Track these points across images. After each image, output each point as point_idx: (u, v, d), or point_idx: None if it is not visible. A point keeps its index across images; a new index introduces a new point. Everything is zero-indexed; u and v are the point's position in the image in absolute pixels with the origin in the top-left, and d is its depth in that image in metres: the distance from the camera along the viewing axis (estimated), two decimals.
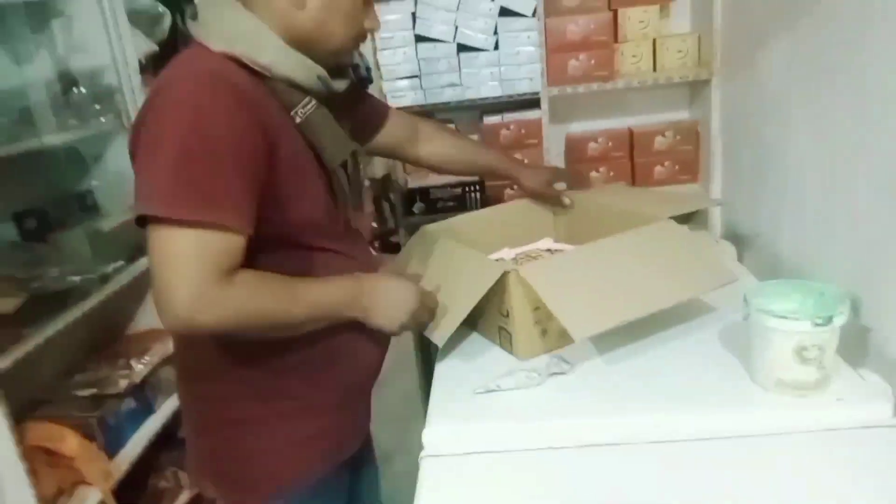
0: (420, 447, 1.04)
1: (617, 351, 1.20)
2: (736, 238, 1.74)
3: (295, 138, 0.95)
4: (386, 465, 1.38)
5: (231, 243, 0.85)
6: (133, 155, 0.90)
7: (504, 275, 1.14)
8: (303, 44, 0.95)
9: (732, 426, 0.99)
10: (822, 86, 1.23)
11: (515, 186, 1.73)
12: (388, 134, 1.31)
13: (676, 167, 1.95)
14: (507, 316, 1.19)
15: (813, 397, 1.00)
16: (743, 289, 1.14)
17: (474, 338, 1.31)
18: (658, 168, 1.96)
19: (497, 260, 1.53)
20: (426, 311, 1.10)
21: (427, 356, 2.18)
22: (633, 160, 1.97)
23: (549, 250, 1.61)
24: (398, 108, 1.84)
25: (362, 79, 2.09)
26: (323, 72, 0.97)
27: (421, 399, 2.22)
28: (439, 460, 1.01)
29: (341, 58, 1.03)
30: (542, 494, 0.93)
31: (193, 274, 0.81)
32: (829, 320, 0.96)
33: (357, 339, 1.08)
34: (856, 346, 1.12)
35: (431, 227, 1.41)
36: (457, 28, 1.74)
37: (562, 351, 1.20)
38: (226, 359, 1.01)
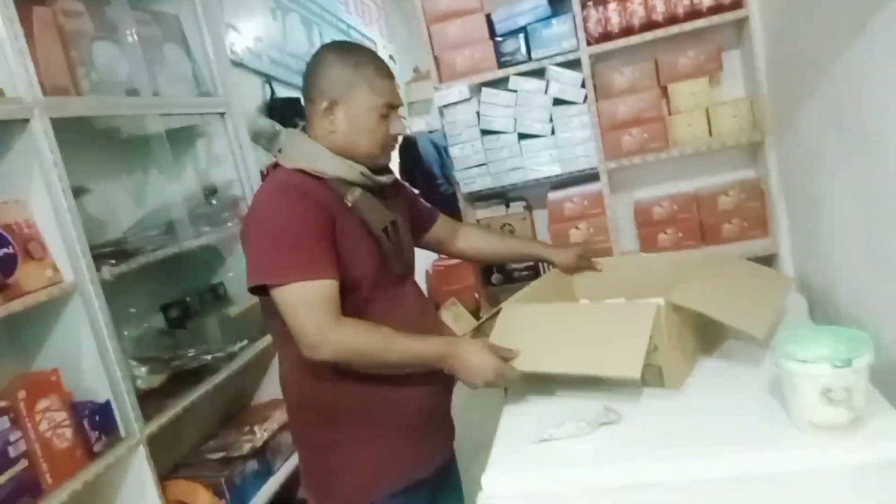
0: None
1: (666, 399, 1.28)
2: (807, 289, 1.75)
3: (349, 217, 1.28)
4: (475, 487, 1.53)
5: (327, 288, 1.20)
6: (244, 246, 1.28)
7: (649, 310, 1.25)
8: (344, 153, 1.30)
9: (769, 466, 1.04)
10: (843, 139, 1.30)
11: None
12: (434, 233, 1.64)
13: (745, 223, 2.00)
14: (656, 350, 1.27)
15: (846, 437, 1.04)
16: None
17: (541, 386, 1.44)
18: (726, 225, 2.01)
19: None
20: (502, 380, 1.32)
21: None
22: (700, 220, 2.04)
23: None
24: (469, 192, 2.08)
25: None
26: (364, 169, 1.30)
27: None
28: (495, 502, 1.14)
29: (377, 160, 1.35)
30: None
31: (311, 315, 1.18)
32: (848, 362, 1.01)
33: (422, 374, 1.31)
34: None
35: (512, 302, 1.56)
36: (516, 120, 1.96)
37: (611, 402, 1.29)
38: (308, 395, 1.33)
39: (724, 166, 2.08)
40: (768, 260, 1.97)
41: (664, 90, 1.99)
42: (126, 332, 1.88)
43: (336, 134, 1.29)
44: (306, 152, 1.29)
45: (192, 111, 2.15)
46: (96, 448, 1.54)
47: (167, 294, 2.14)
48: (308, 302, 1.18)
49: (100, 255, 1.65)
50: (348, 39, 1.48)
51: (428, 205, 1.68)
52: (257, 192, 1.31)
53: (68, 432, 1.48)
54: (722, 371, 1.31)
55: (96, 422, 1.56)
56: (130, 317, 1.95)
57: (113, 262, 1.66)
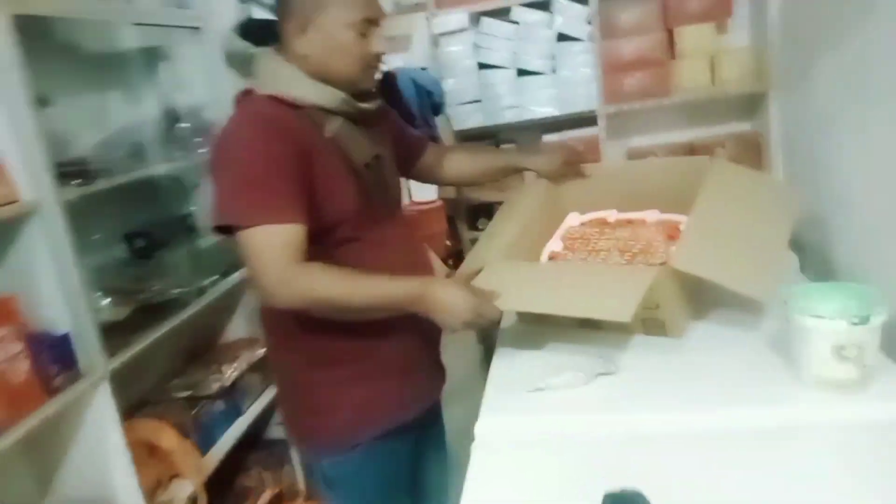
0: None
1: (664, 353, 1.25)
2: (798, 248, 1.73)
3: (329, 150, 1.18)
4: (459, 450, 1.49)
5: (292, 233, 1.10)
6: (211, 180, 1.18)
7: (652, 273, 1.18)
8: (322, 78, 1.19)
9: (773, 421, 1.02)
10: (863, 102, 1.24)
11: None
12: (424, 162, 1.54)
13: None
14: (657, 307, 1.23)
15: (854, 394, 1.01)
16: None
17: (533, 336, 1.39)
18: None
19: (552, 255, 1.53)
20: (482, 320, 1.20)
21: (490, 351, 2.25)
22: None
23: (583, 224, 1.61)
24: (462, 130, 1.98)
25: (436, 105, 2.24)
26: (346, 96, 1.20)
27: (480, 375, 2.28)
28: (488, 450, 1.10)
29: (358, 84, 1.23)
30: (585, 482, 0.98)
31: (272, 261, 1.08)
32: (865, 320, 0.97)
33: (410, 317, 1.22)
34: None
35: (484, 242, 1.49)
36: (516, 54, 1.84)
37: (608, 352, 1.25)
38: (294, 333, 1.24)
39: (721, 118, 2.03)
40: None
41: (669, 33, 1.90)
42: (89, 261, 1.75)
43: (311, 57, 1.18)
44: (280, 76, 1.18)
45: (166, 22, 1.97)
46: (55, 383, 1.43)
47: (133, 222, 2.00)
48: (270, 246, 1.09)
49: (63, 174, 1.51)
50: None
51: (416, 132, 1.58)
52: (227, 122, 1.19)
53: (25, 365, 1.37)
54: (723, 325, 1.28)
55: (56, 355, 1.45)
56: (93, 244, 1.81)
57: (77, 181, 1.53)
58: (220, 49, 2.20)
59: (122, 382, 1.61)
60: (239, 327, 2.31)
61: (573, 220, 1.63)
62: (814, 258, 1.62)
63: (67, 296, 1.47)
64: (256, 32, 2.74)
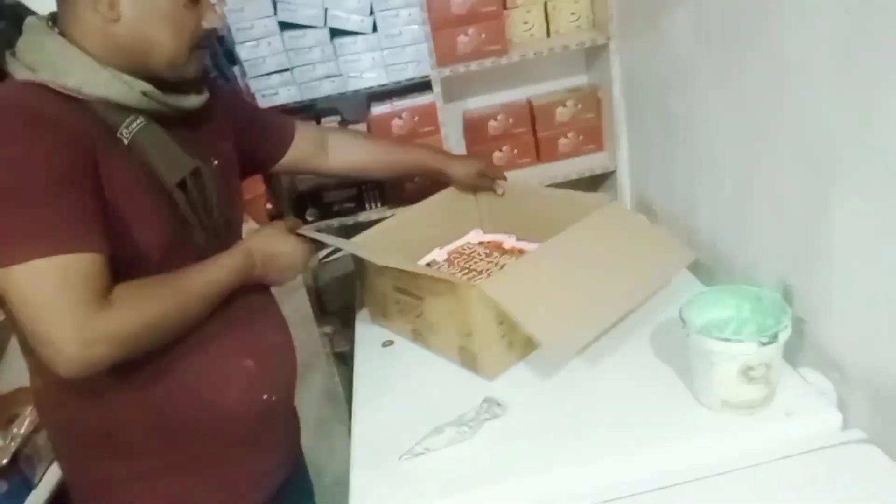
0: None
1: (549, 378, 1.10)
2: (649, 212, 1.66)
3: (123, 160, 0.87)
4: (316, 479, 1.29)
5: (90, 264, 0.79)
6: None
7: (465, 291, 1.05)
8: (127, 59, 0.88)
9: (683, 455, 0.91)
10: (733, 54, 1.13)
11: (417, 179, 1.62)
12: (294, 153, 1.26)
13: (581, 137, 1.84)
14: (470, 335, 1.08)
15: (761, 414, 0.94)
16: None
17: (393, 359, 1.22)
18: (562, 140, 1.84)
19: (431, 264, 1.43)
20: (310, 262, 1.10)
21: (341, 354, 2.04)
22: (535, 135, 1.84)
23: (480, 243, 1.54)
24: (271, 108, 1.62)
25: (229, 52, 1.82)
26: (147, 86, 0.88)
27: (343, 397, 2.10)
28: None
29: (182, 70, 0.93)
30: None
31: (68, 307, 0.76)
32: (774, 338, 0.88)
33: (220, 389, 0.97)
34: (791, 339, 1.06)
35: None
36: (326, 11, 1.50)
37: (489, 391, 1.07)
38: (80, 416, 0.94)
39: (558, 70, 1.88)
40: (604, 177, 1.85)
41: None
42: None
43: (120, 24, 0.85)
44: (50, 54, 0.84)
45: None
46: None
47: None
48: (62, 287, 0.76)
49: None
50: None
51: (279, 115, 1.30)
52: None
53: None
54: (606, 344, 1.14)
55: None
56: None
57: None
58: None
59: None
60: (12, 375, 1.81)
61: (474, 236, 1.57)
62: (673, 225, 1.55)
63: None
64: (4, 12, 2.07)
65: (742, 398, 0.92)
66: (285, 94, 1.58)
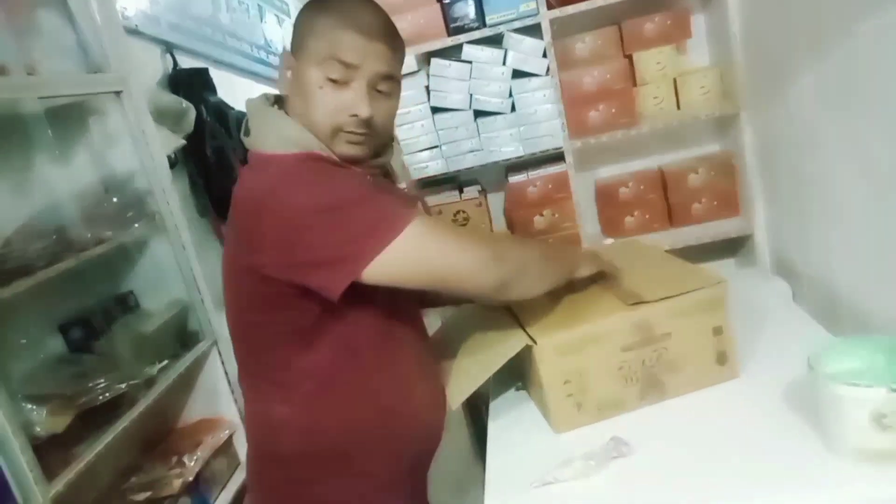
0: None
1: (677, 422, 1.13)
2: (789, 273, 1.65)
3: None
4: None
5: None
6: (287, 259, 0.92)
7: (530, 348, 1.12)
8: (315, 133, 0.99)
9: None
10: (856, 115, 1.16)
11: None
12: None
13: (715, 203, 1.88)
14: (542, 388, 1.15)
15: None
16: (801, 334, 1.06)
17: (526, 408, 1.28)
18: (696, 205, 1.89)
19: None
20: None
21: (475, 410, 2.14)
22: (667, 200, 1.91)
23: None
24: (423, 178, 1.84)
25: None
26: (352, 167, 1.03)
27: (474, 459, 2.17)
28: None
29: (335, 149, 1.00)
30: None
31: (455, 246, 0.91)
32: None
33: (418, 413, 1.10)
34: None
35: None
36: (471, 95, 1.72)
37: (619, 430, 1.13)
38: (319, 435, 1.04)
39: (691, 140, 1.95)
40: (742, 241, 1.86)
41: (629, 59, 1.81)
42: (16, 369, 1.54)
43: (290, 102, 1.01)
44: (291, 136, 0.96)
45: (81, 91, 1.77)
46: None
47: (66, 310, 1.79)
48: (437, 232, 0.91)
49: None
50: None
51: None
52: (256, 190, 0.94)
53: None
54: (736, 389, 1.17)
55: None
56: (20, 348, 1.60)
57: None
58: (147, 107, 2.02)
59: (69, 498, 1.41)
60: (198, 408, 2.11)
61: None
62: (810, 285, 1.54)
63: None
64: (186, 84, 2.56)
65: (876, 446, 0.91)
66: (434, 167, 1.80)
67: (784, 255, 1.68)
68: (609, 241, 1.94)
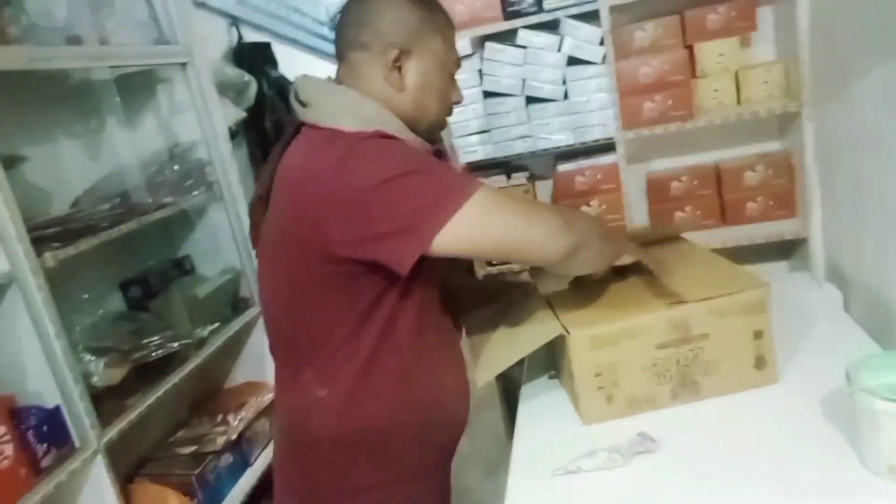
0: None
1: (708, 423, 1.12)
2: (841, 280, 1.60)
3: None
4: None
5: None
6: (361, 230, 0.91)
7: (564, 337, 1.13)
8: (407, 121, 1.03)
9: None
10: None
11: None
12: None
13: (770, 202, 1.83)
14: (573, 378, 1.16)
15: None
16: (848, 344, 1.03)
17: (558, 397, 1.29)
18: (750, 204, 1.84)
19: None
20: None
21: (511, 395, 2.16)
22: (721, 197, 1.86)
23: None
24: (471, 162, 1.85)
25: None
26: (431, 147, 1.07)
27: (505, 443, 2.20)
28: None
29: (434, 132, 1.11)
30: None
31: (528, 210, 0.94)
32: None
33: (449, 402, 1.12)
34: None
35: None
36: (524, 81, 1.72)
37: (647, 426, 1.13)
38: (362, 421, 1.04)
39: (747, 137, 1.89)
40: (796, 244, 1.80)
41: (689, 50, 1.76)
42: (78, 322, 1.64)
43: (405, 94, 1.03)
44: (372, 116, 0.98)
45: (148, 62, 1.85)
46: (44, 463, 1.34)
47: (126, 270, 1.90)
48: (507, 197, 0.94)
49: (42, 238, 1.41)
50: None
51: None
52: (325, 160, 0.93)
53: (9, 448, 1.27)
54: (774, 395, 1.15)
55: (44, 432, 1.35)
56: (83, 302, 1.71)
57: (57, 244, 1.42)
58: (210, 79, 2.09)
59: (120, 444, 1.51)
60: (244, 371, 2.21)
61: None
62: (862, 295, 1.49)
63: (54, 367, 1.38)
64: (249, 58, 2.63)
65: None
66: (482, 152, 1.81)
67: (838, 262, 1.63)
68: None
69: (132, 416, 1.54)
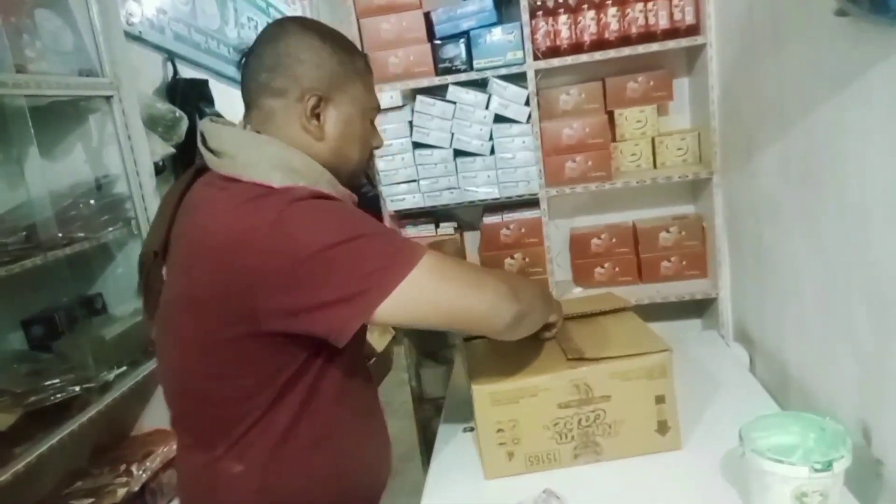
0: None
1: (611, 483, 1.14)
2: (748, 341, 1.67)
3: None
4: None
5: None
6: (308, 283, 0.84)
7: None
8: (329, 168, 0.97)
9: None
10: (811, 193, 1.20)
11: None
12: None
13: (684, 262, 1.90)
14: (475, 430, 1.16)
15: None
16: (751, 405, 1.06)
17: (470, 443, 1.29)
18: (664, 263, 1.91)
19: None
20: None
21: (430, 446, 2.13)
22: (638, 255, 1.93)
23: None
24: (400, 210, 1.87)
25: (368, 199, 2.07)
26: (356, 197, 1.02)
27: None
28: None
29: (355, 179, 1.07)
30: None
31: (475, 277, 0.92)
32: (828, 465, 0.89)
33: (371, 464, 1.08)
34: (868, 479, 1.04)
35: None
36: (453, 135, 1.76)
37: (552, 483, 1.13)
38: (255, 499, 0.96)
39: (665, 199, 1.98)
40: (708, 303, 1.88)
41: (610, 115, 1.85)
42: None
43: (324, 143, 0.97)
44: (298, 168, 0.91)
45: (69, 93, 1.80)
46: None
47: (31, 306, 1.80)
48: (449, 270, 0.89)
49: None
50: (307, 17, 1.21)
51: None
52: (267, 225, 0.84)
53: None
54: (676, 455, 1.17)
55: None
56: None
57: None
58: (138, 113, 2.05)
59: (8, 495, 1.39)
60: (153, 417, 2.10)
61: None
62: (765, 356, 1.56)
63: None
64: (183, 93, 2.60)
65: None
66: (411, 201, 1.83)
67: (745, 322, 1.70)
68: (578, 289, 1.96)
69: (19, 466, 1.43)
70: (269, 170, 0.89)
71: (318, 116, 0.97)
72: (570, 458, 1.15)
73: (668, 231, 1.88)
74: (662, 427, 1.15)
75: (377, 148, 1.10)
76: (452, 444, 1.33)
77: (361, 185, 1.17)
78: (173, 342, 0.96)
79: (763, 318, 1.55)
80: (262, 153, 0.92)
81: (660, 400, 1.13)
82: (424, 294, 0.86)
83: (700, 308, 1.95)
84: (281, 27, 0.99)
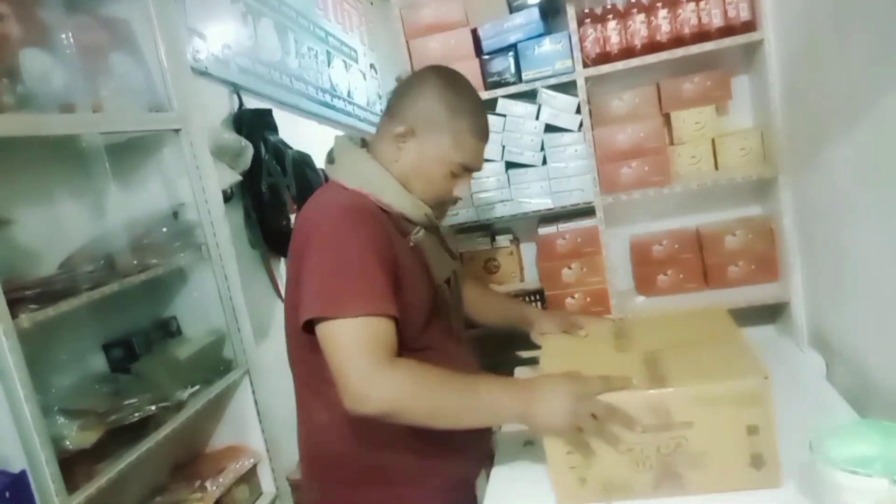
0: None
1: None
2: (823, 346, 1.57)
3: (410, 257, 1.14)
4: None
5: (384, 327, 1.02)
6: (298, 270, 1.08)
7: None
8: (406, 185, 1.16)
9: None
10: (886, 191, 1.12)
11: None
12: None
13: (752, 266, 1.82)
14: (534, 444, 1.14)
15: None
16: (828, 414, 0.99)
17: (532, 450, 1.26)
18: (732, 268, 1.83)
19: None
20: (587, 419, 1.01)
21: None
22: (703, 261, 1.86)
23: None
24: (453, 224, 1.87)
25: None
26: (430, 211, 1.18)
27: None
28: None
29: (430, 207, 1.20)
30: None
31: (358, 358, 0.98)
32: None
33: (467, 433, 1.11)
34: None
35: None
36: (504, 147, 1.76)
37: None
38: (354, 451, 1.16)
39: (729, 202, 1.91)
40: (781, 308, 1.79)
41: (666, 118, 1.80)
42: (56, 383, 1.64)
43: (397, 164, 1.17)
44: (369, 177, 1.16)
45: (141, 129, 1.91)
46: None
47: (111, 331, 1.91)
48: (359, 340, 1.00)
49: (21, 299, 1.42)
50: (456, 71, 1.24)
51: None
52: (313, 212, 1.14)
53: None
54: None
55: (6, 498, 1.33)
56: (63, 363, 1.71)
57: (35, 306, 1.43)
58: (206, 144, 2.15)
59: None
60: (226, 434, 2.18)
61: None
62: (844, 362, 1.46)
63: (22, 431, 1.36)
64: (249, 123, 2.72)
65: None
66: (464, 215, 1.83)
67: (821, 328, 1.60)
68: (641, 298, 1.90)
69: (101, 481, 1.51)
70: (348, 174, 1.16)
71: (403, 142, 1.15)
72: (649, 489, 1.05)
73: (734, 234, 1.80)
74: (757, 461, 1.01)
75: (453, 200, 1.23)
76: (511, 462, 1.30)
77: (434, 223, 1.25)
78: (288, 304, 1.17)
79: (841, 322, 1.46)
80: (347, 160, 1.18)
81: (752, 431, 0.99)
82: (331, 338, 1.02)
83: (773, 313, 1.86)
84: (424, 70, 1.23)
